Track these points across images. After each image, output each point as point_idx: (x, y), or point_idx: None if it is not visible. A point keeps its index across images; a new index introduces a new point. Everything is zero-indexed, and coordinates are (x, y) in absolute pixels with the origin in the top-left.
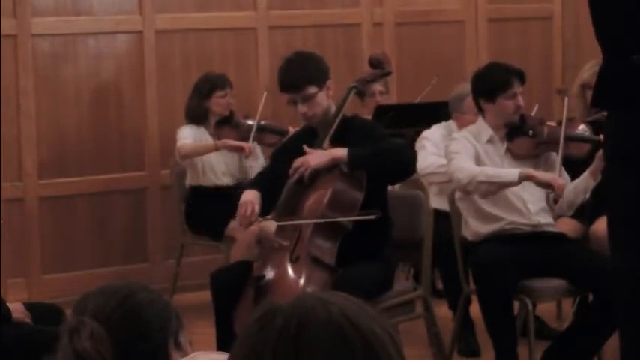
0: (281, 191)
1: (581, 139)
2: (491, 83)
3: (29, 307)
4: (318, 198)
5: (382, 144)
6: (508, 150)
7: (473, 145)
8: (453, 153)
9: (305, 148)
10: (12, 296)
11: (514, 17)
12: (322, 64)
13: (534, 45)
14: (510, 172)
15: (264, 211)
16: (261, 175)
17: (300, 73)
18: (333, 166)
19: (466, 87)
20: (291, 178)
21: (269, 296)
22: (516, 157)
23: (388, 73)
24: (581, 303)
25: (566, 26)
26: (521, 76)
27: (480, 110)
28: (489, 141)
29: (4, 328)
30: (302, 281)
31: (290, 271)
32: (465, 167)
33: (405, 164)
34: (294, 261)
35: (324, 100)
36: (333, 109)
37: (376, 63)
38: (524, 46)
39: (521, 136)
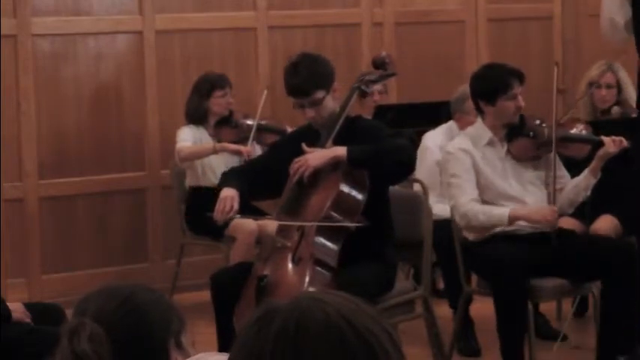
0: (266, 185)
1: (582, 140)
2: (491, 85)
3: (29, 307)
4: (322, 199)
5: (382, 143)
6: (508, 151)
7: (470, 156)
8: (451, 177)
9: (304, 146)
10: (12, 296)
11: (514, 17)
12: (329, 66)
13: (534, 45)
14: (502, 214)
15: (243, 206)
16: (250, 164)
17: (308, 77)
18: (336, 166)
19: (468, 88)
20: (291, 178)
21: (271, 297)
22: (516, 158)
23: (392, 75)
24: (581, 303)
25: (566, 26)
26: (520, 77)
27: (480, 112)
28: (489, 143)
29: (4, 328)
30: (305, 283)
31: (293, 272)
32: (461, 207)
33: (403, 163)
34: (297, 262)
35: (331, 102)
36: (337, 109)
37: (380, 64)
38: (524, 46)
39: (521, 137)
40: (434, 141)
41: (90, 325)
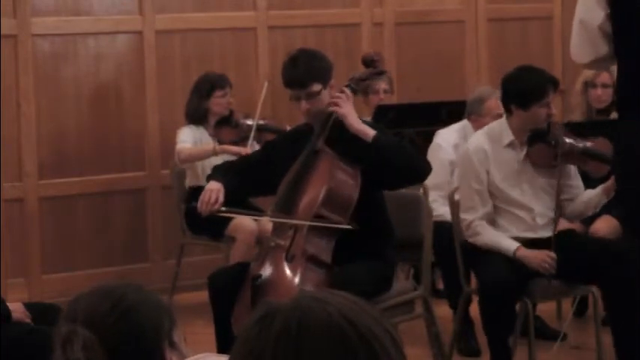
0: (258, 182)
1: (603, 159)
2: (526, 90)
3: (29, 307)
4: (313, 196)
5: (408, 147)
6: (527, 155)
7: (485, 157)
8: (464, 183)
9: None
10: (12, 296)
11: (514, 17)
12: (327, 62)
13: (534, 45)
14: (507, 249)
15: (232, 200)
16: (243, 160)
17: (305, 70)
18: (330, 162)
19: (487, 90)
20: (329, 103)
21: (266, 296)
22: (534, 164)
23: (381, 73)
24: (581, 303)
25: (566, 26)
26: (555, 84)
27: (508, 112)
28: (509, 145)
29: (4, 328)
30: (298, 280)
31: (286, 270)
32: (472, 224)
33: (418, 173)
34: (290, 260)
35: (327, 98)
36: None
37: (369, 62)
38: (524, 46)
39: (542, 143)
40: (447, 140)
41: (82, 332)
